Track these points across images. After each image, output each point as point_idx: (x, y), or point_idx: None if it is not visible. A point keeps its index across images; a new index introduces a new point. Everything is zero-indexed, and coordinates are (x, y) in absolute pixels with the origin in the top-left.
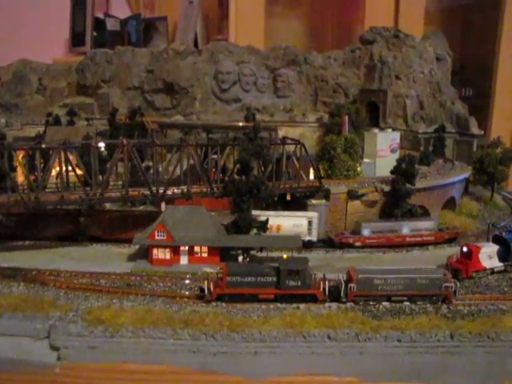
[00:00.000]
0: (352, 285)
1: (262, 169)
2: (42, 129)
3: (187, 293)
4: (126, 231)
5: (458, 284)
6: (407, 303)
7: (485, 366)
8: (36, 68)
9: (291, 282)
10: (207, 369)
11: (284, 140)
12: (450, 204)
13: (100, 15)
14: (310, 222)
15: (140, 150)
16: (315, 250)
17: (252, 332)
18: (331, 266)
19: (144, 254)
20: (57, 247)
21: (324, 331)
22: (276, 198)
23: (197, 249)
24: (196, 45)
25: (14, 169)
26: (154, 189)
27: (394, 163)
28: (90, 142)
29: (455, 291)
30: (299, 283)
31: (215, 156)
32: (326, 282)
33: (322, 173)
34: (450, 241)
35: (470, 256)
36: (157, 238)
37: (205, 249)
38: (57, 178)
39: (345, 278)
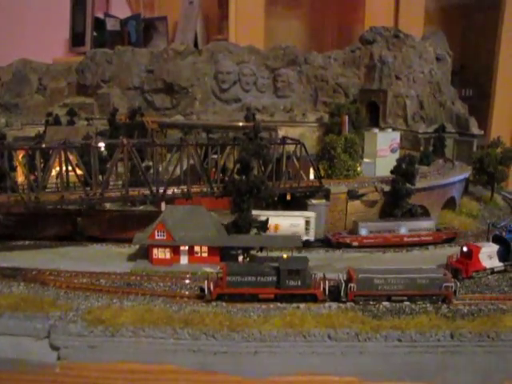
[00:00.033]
0: (352, 284)
1: (262, 168)
2: (42, 129)
3: (187, 292)
4: (125, 231)
5: (458, 284)
6: (407, 303)
7: (485, 366)
8: (36, 68)
9: (291, 282)
10: (207, 368)
11: (284, 140)
12: (450, 204)
13: (100, 15)
14: (307, 222)
15: (140, 149)
16: (315, 249)
17: (252, 332)
18: (331, 266)
19: (144, 253)
20: (57, 247)
21: (324, 331)
22: (276, 198)
23: (197, 248)
24: (196, 45)
25: (14, 169)
26: (154, 189)
27: (394, 163)
28: (90, 141)
29: (455, 291)
30: (299, 283)
31: (215, 156)
32: (326, 282)
33: (322, 173)
34: (448, 241)
35: (470, 256)
36: (157, 237)
37: (205, 248)
38: (57, 177)
39: (345, 278)
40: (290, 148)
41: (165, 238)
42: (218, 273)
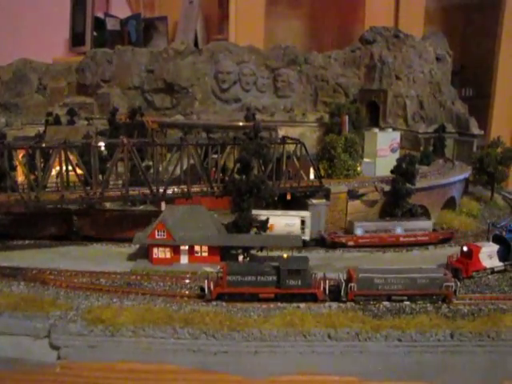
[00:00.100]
0: (352, 284)
1: (263, 168)
2: (42, 128)
3: (187, 292)
4: (122, 231)
5: (459, 283)
6: (407, 303)
7: (485, 366)
8: (36, 67)
9: (291, 282)
10: (207, 368)
11: (284, 139)
12: (450, 204)
13: (100, 15)
14: (302, 222)
15: (140, 149)
16: (315, 249)
17: (252, 331)
18: (331, 266)
19: (144, 253)
20: (57, 246)
21: (324, 330)
22: (276, 198)
23: (197, 248)
24: (196, 45)
25: (14, 168)
26: (154, 188)
27: (394, 163)
28: (90, 141)
29: (455, 291)
30: (299, 282)
31: (215, 155)
32: (327, 282)
33: (322, 172)
34: (445, 241)
35: (470, 255)
36: (157, 237)
37: (205, 248)
38: (57, 177)
39: (345, 278)
40: (290, 148)
41: (165, 237)
42: (218, 272)
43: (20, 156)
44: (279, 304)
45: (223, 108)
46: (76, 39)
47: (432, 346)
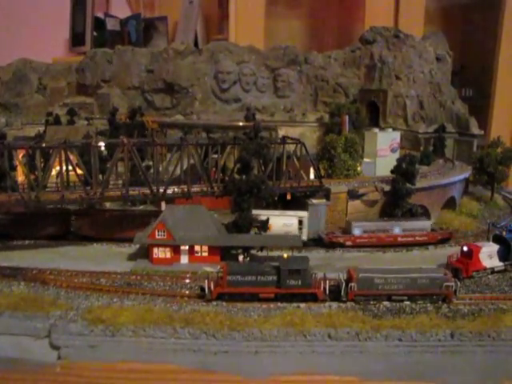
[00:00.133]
0: (352, 284)
1: (263, 168)
2: (42, 128)
3: (187, 292)
4: (120, 231)
5: (459, 283)
6: (408, 302)
7: (485, 366)
8: (36, 67)
9: (292, 281)
10: (208, 368)
11: (284, 139)
12: (450, 204)
13: (100, 15)
14: (300, 222)
15: (140, 149)
16: (315, 249)
17: (252, 331)
18: (331, 266)
19: (144, 253)
20: (57, 246)
21: (324, 330)
22: (276, 198)
23: (197, 248)
24: (196, 45)
25: (14, 168)
26: (154, 188)
27: (394, 163)
28: (90, 141)
29: (455, 291)
30: (300, 282)
31: (215, 155)
32: (327, 282)
33: (323, 172)
34: (444, 241)
35: (470, 255)
36: (157, 237)
37: (205, 248)
38: (57, 177)
39: (345, 278)
40: (291, 148)
41: (165, 237)
42: (219, 272)
43: (20, 156)
44: (279, 304)
45: (223, 108)
46: (76, 39)
47: (432, 346)
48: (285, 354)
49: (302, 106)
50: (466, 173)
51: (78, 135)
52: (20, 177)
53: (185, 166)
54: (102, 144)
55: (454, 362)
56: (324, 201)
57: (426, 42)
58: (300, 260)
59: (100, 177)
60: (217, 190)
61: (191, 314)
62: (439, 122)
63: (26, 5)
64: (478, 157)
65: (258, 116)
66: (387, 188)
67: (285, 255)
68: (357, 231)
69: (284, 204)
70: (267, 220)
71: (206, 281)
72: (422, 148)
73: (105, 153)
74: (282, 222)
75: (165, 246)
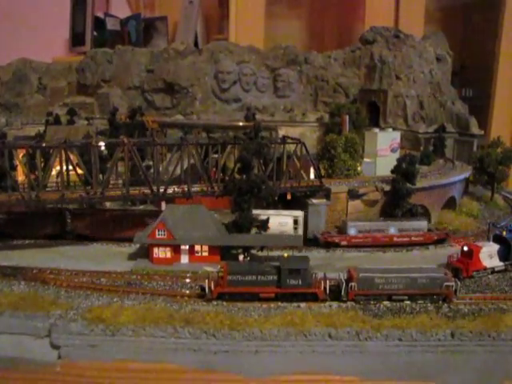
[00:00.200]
0: (353, 284)
1: (263, 168)
2: (42, 128)
3: (188, 291)
4: (116, 230)
5: (459, 283)
6: (408, 302)
7: (485, 365)
8: (36, 67)
9: (292, 281)
10: (208, 367)
11: (284, 139)
12: (450, 204)
13: (100, 15)
14: (295, 221)
15: (140, 149)
16: (315, 248)
17: (253, 331)
18: (331, 265)
19: (145, 253)
20: (57, 246)
21: (325, 330)
22: (276, 198)
23: (197, 248)
24: (196, 44)
25: (14, 168)
26: (154, 188)
27: (395, 163)
28: (90, 141)
29: (456, 290)
30: (300, 282)
31: (216, 155)
32: (327, 281)
33: (323, 172)
34: (440, 242)
35: (470, 255)
36: (157, 236)
37: (205, 248)
38: (57, 176)
39: (345, 277)
40: (291, 147)
41: (165, 237)
42: (219, 272)
43: (20, 155)
44: (280, 303)
45: (223, 108)
46: (76, 39)
47: (432, 346)
48: (285, 354)
49: (302, 106)
50: (466, 173)
51: (78, 135)
52: (20, 176)
53: (185, 166)
54: (102, 144)
55: (455, 361)
56: (324, 201)
57: (426, 41)
58: (300, 260)
59: (100, 176)
60: (217, 190)
61: (191, 314)
62: (439, 122)
63: (25, 5)
64: (478, 157)
65: (258, 116)
66: (387, 188)
67: (285, 255)
68: (352, 231)
69: (284, 204)
70: (267, 220)
71: (207, 280)
72: (422, 148)
73: (105, 152)
74: (277, 221)
75: (165, 245)
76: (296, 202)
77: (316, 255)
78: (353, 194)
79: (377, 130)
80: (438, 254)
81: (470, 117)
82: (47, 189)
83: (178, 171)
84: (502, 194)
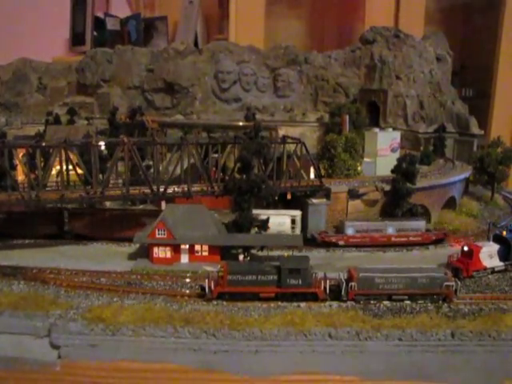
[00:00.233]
0: (353, 283)
1: (263, 167)
2: (42, 128)
3: (188, 291)
4: (114, 230)
5: (459, 283)
6: (408, 302)
7: (486, 365)
8: (36, 67)
9: (292, 281)
10: (208, 367)
11: (284, 139)
12: (450, 203)
13: (100, 15)
14: (293, 221)
15: (140, 148)
16: (315, 248)
17: (253, 330)
18: (331, 265)
19: (145, 252)
20: (56, 245)
21: (325, 330)
22: (276, 197)
23: (197, 247)
24: (196, 44)
25: (14, 167)
26: (154, 187)
27: (395, 162)
28: (90, 140)
29: (456, 290)
30: (300, 282)
31: (216, 155)
32: (327, 281)
33: (323, 172)
34: (438, 242)
35: (470, 255)
36: (157, 236)
37: (205, 247)
38: (57, 176)
39: (345, 277)
40: (291, 147)
41: (165, 236)
42: (219, 271)
43: (20, 155)
44: (280, 303)
45: (223, 108)
46: (76, 39)
47: (433, 346)
48: (285, 354)
49: (302, 106)
50: (466, 173)
51: (78, 135)
52: (20, 176)
53: (185, 166)
54: (102, 143)
55: (455, 361)
56: (324, 200)
57: (426, 41)
58: (300, 259)
59: (100, 176)
60: (217, 190)
61: (191, 314)
62: (439, 122)
63: (25, 5)
64: (479, 157)
65: (258, 116)
66: (387, 188)
67: (285, 254)
68: (350, 231)
69: (284, 204)
70: (267, 219)
71: (207, 280)
72: (422, 148)
73: (105, 152)
74: (276, 221)
75: (165, 245)
76: (296, 201)
77: (316, 255)
78: (353, 194)
79: (377, 129)
80: (438, 253)
81: (470, 117)
82: (47, 188)
83: (178, 171)
84: (502, 194)
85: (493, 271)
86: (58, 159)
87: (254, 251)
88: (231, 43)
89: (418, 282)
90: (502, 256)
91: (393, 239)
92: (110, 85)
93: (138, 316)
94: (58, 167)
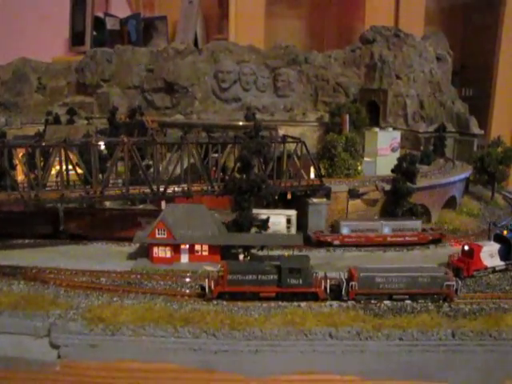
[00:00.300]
0: (353, 283)
1: (263, 167)
2: (41, 128)
3: (188, 291)
4: (110, 230)
5: (460, 282)
6: (409, 302)
7: (486, 365)
8: (36, 67)
9: (292, 280)
10: (208, 367)
11: (285, 138)
12: (450, 203)
13: (100, 14)
14: (288, 220)
15: (140, 148)
16: (316, 248)
17: (253, 330)
18: (332, 265)
19: (144, 252)
20: (56, 245)
21: (325, 329)
22: (276, 197)
23: (197, 247)
24: (196, 44)
25: (14, 167)
26: (154, 187)
27: (395, 162)
28: (90, 140)
29: (457, 290)
30: (300, 281)
31: (216, 154)
32: (328, 281)
33: (323, 171)
34: (434, 242)
35: (471, 255)
36: (157, 236)
37: (205, 247)
38: (57, 176)
39: (346, 277)
40: (291, 147)
41: (165, 236)
42: (219, 271)
43: (20, 155)
44: (280, 303)
45: (223, 107)
46: (76, 39)
47: (433, 345)
48: (285, 353)
49: (302, 106)
50: (466, 172)
51: (78, 134)
52: (20, 176)
53: (185, 165)
54: (101, 143)
55: (455, 361)
56: (324, 200)
57: (426, 41)
58: (301, 259)
59: (100, 176)
60: (217, 189)
61: (191, 313)
62: (439, 122)
63: (25, 5)
64: (479, 156)
65: (258, 115)
66: (388, 187)
67: (285, 254)
68: (345, 230)
69: (285, 203)
70: (267, 219)
71: (207, 280)
72: (422, 147)
73: (105, 152)
74: (271, 220)
75: (165, 245)
76: (296, 201)
77: (316, 255)
78: (353, 194)
79: (377, 129)
80: (438, 253)
81: (470, 116)
82: (47, 188)
83: (178, 170)
84: (502, 194)
85: (493, 270)
86: (57, 159)
87: (254, 251)
88: (231, 43)
89: (418, 282)
90: (503, 255)
91: (388, 239)
92: (109, 85)
93: (137, 316)
94: (58, 167)
